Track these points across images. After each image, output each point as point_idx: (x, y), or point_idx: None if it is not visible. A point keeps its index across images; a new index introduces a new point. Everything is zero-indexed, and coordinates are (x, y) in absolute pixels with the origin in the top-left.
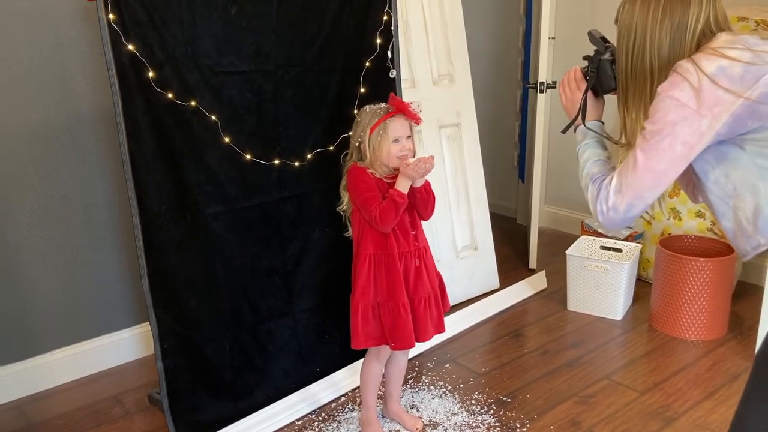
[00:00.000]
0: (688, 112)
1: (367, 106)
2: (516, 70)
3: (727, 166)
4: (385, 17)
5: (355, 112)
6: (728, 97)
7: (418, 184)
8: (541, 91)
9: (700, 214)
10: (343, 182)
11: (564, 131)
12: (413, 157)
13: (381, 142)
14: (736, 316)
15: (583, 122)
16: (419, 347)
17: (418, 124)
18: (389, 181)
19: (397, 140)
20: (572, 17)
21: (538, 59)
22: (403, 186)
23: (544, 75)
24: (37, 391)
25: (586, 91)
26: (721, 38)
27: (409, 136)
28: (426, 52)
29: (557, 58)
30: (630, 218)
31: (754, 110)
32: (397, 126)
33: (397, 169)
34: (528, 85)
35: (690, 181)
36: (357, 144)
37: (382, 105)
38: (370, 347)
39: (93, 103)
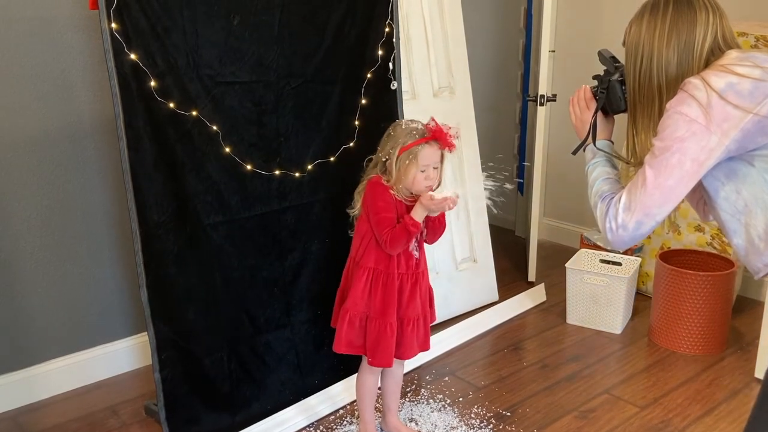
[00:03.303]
0: (697, 128)
1: (402, 121)
2: (516, 82)
3: (738, 183)
4: (387, 29)
5: (357, 123)
6: (737, 113)
7: (434, 214)
8: (541, 104)
9: (699, 228)
10: (360, 188)
11: (575, 152)
12: (438, 184)
13: (409, 167)
14: (735, 331)
15: (594, 142)
16: (418, 360)
17: (451, 151)
18: (409, 203)
19: (424, 170)
20: (572, 31)
21: (538, 72)
22: (419, 215)
23: (544, 88)
24: (32, 402)
25: (596, 112)
26: (731, 55)
27: (436, 167)
28: (427, 64)
29: (557, 71)
30: (639, 236)
31: (763, 126)
32: (428, 154)
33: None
34: (528, 98)
35: (700, 199)
36: (384, 160)
37: (419, 125)
38: (350, 353)
39: (94, 112)
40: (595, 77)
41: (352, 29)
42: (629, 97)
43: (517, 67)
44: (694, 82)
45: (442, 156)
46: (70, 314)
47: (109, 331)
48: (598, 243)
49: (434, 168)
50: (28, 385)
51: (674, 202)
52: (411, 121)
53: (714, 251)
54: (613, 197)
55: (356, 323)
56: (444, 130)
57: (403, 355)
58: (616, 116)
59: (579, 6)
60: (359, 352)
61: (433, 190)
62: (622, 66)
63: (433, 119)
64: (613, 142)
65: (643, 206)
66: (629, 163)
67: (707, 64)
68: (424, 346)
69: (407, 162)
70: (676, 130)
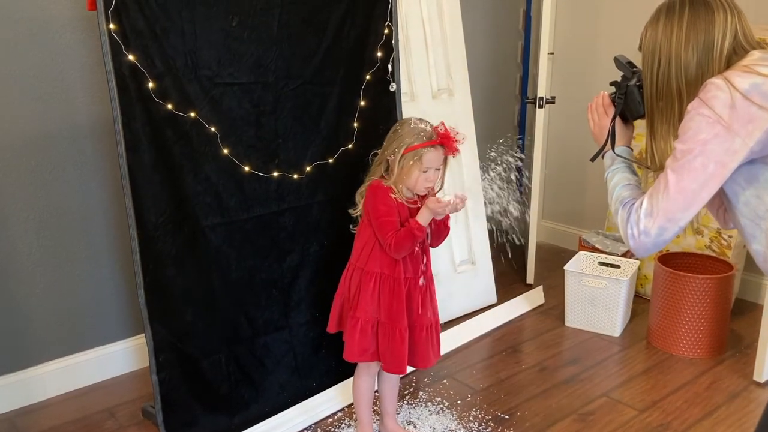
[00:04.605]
0: (720, 130)
1: (411, 119)
2: (515, 84)
3: (759, 188)
4: (386, 31)
5: (355, 124)
6: (762, 114)
7: (440, 217)
8: (540, 106)
9: (698, 231)
10: (362, 189)
11: (593, 159)
12: (441, 186)
13: (412, 168)
14: (734, 333)
15: (613, 149)
16: None
17: (454, 156)
18: (411, 206)
19: (426, 171)
20: (571, 33)
21: (536, 74)
22: (424, 219)
23: (543, 90)
24: (28, 404)
25: (614, 118)
26: (754, 55)
27: (438, 169)
28: (426, 66)
29: (556, 73)
30: (662, 242)
31: None
32: (432, 157)
33: (420, 196)
34: (527, 100)
35: (720, 206)
36: (389, 158)
37: (428, 127)
38: (363, 361)
39: (92, 113)
40: (612, 83)
41: (352, 31)
42: (647, 102)
43: (516, 69)
44: (716, 83)
45: (445, 159)
46: (67, 316)
47: (107, 333)
48: (597, 245)
49: (436, 170)
50: (25, 387)
51: (698, 206)
52: (420, 120)
53: (713, 254)
54: (634, 203)
55: (368, 330)
56: (451, 135)
57: (419, 364)
58: (634, 122)
59: (578, 8)
60: (375, 359)
61: (435, 192)
62: (640, 71)
63: (443, 123)
64: (632, 149)
65: (665, 211)
66: (649, 168)
67: (729, 64)
68: (438, 355)
69: (411, 163)
70: (699, 132)
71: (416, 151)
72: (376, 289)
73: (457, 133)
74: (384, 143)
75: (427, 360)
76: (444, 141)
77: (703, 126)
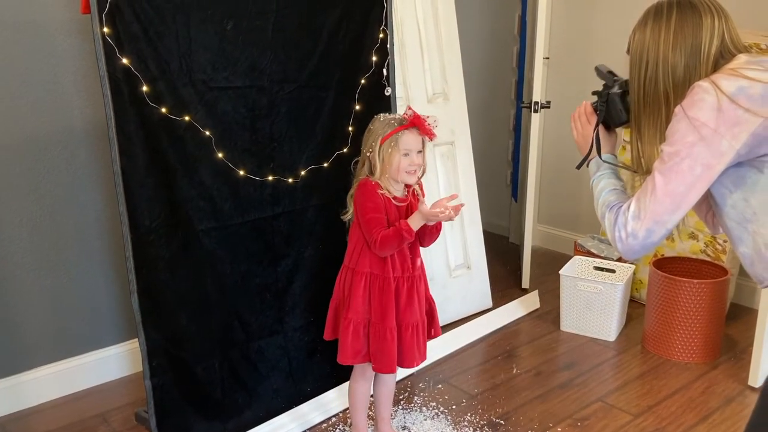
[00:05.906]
0: (707, 133)
1: (381, 115)
2: (510, 89)
3: (746, 191)
4: (381, 35)
5: (350, 129)
6: (749, 117)
7: (431, 223)
8: (535, 111)
9: (693, 236)
10: (352, 191)
11: (578, 167)
12: (423, 172)
13: (392, 155)
14: (729, 338)
15: (599, 155)
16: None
17: (431, 139)
18: (398, 203)
19: (407, 154)
20: (567, 38)
21: (532, 79)
22: (416, 223)
23: (538, 95)
24: (21, 409)
25: (596, 126)
26: (741, 59)
27: (419, 151)
28: (421, 70)
29: (551, 78)
30: (650, 244)
31: None
32: (408, 139)
33: (407, 186)
34: (522, 105)
35: (708, 210)
36: (368, 154)
37: (397, 116)
38: (356, 364)
39: (85, 116)
40: (594, 93)
41: (347, 35)
42: (634, 106)
43: (511, 74)
44: (703, 86)
45: (423, 143)
46: (60, 320)
47: (99, 337)
48: (592, 250)
49: (418, 152)
50: (17, 392)
51: (685, 208)
52: (388, 114)
53: (707, 258)
54: (621, 206)
55: (360, 331)
56: (422, 117)
57: (405, 364)
58: (617, 130)
59: (573, 13)
60: (366, 360)
61: (419, 177)
62: (621, 79)
63: (409, 107)
64: (615, 156)
65: (653, 214)
66: (635, 171)
67: (716, 67)
68: (423, 356)
69: (390, 150)
70: (686, 135)
71: (392, 138)
72: (366, 289)
73: (428, 116)
74: (362, 146)
75: (412, 360)
76: (415, 122)
77: (690, 129)
